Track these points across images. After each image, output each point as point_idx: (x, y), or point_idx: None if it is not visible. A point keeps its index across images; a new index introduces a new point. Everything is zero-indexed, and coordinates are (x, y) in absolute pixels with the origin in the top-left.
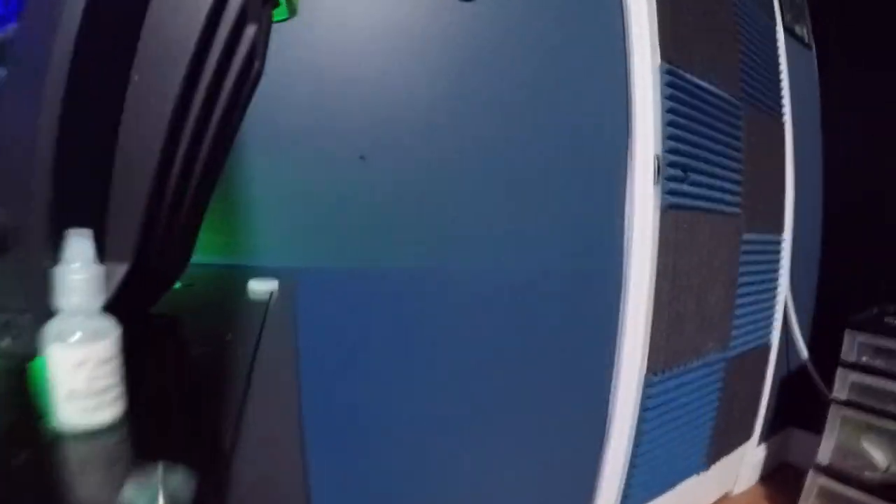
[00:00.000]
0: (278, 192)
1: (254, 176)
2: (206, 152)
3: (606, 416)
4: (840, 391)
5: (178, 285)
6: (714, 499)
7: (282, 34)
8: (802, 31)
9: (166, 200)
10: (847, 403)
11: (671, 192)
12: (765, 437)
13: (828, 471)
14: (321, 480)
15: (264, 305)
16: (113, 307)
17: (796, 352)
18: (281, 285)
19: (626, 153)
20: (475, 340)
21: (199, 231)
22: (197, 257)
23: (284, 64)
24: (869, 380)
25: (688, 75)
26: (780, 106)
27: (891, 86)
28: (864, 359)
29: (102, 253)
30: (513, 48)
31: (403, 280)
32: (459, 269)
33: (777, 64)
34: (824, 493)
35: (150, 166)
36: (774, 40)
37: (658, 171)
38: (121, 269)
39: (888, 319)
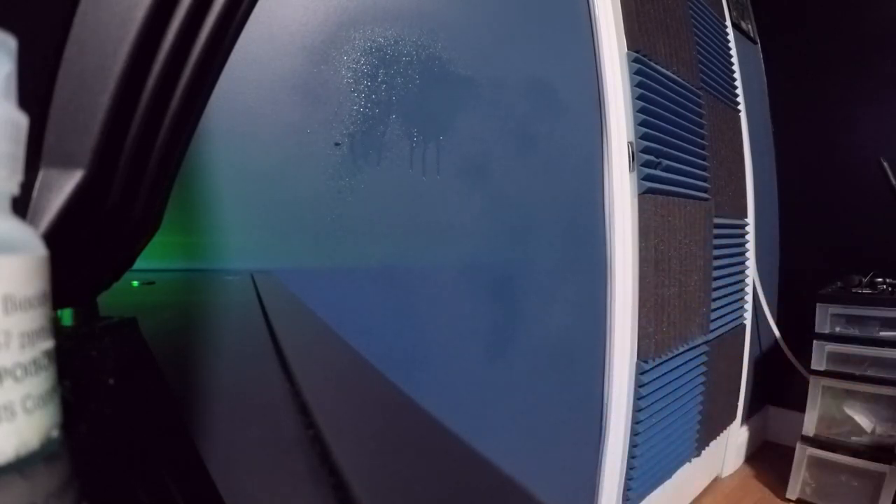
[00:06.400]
0: (246, 184)
1: (219, 166)
2: (189, 74)
3: (602, 409)
4: (818, 363)
5: (135, 283)
6: (706, 484)
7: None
8: (748, 26)
9: (141, 105)
10: (827, 374)
11: (646, 178)
12: (746, 418)
13: (815, 441)
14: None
15: (237, 305)
16: (54, 251)
17: (766, 331)
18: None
19: (602, 140)
20: (461, 338)
21: (171, 186)
22: (156, 263)
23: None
24: (844, 348)
25: (653, 63)
26: (735, 96)
27: (831, 77)
28: (837, 329)
29: (38, 154)
30: (482, 35)
31: (385, 277)
32: (441, 264)
33: (729, 57)
34: (814, 463)
35: (122, 50)
36: (725, 34)
37: (632, 157)
38: (71, 179)
39: (855, 290)
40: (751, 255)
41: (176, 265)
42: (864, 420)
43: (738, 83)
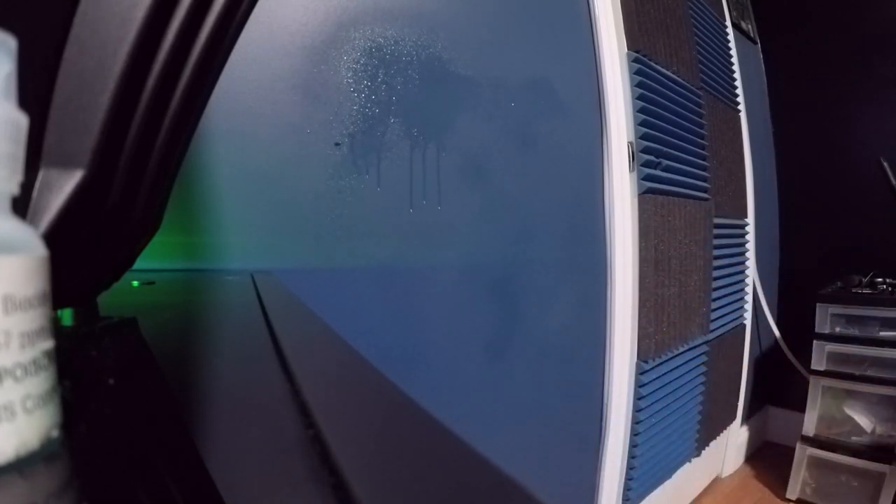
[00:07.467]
0: (246, 184)
1: (219, 166)
2: (189, 74)
3: (602, 409)
4: (818, 363)
5: (135, 283)
6: (706, 484)
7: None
8: (748, 26)
9: (141, 105)
10: (827, 374)
11: (646, 178)
12: (746, 418)
13: (815, 441)
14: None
15: (237, 305)
16: (55, 255)
17: (766, 331)
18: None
19: (602, 140)
20: (461, 338)
21: (171, 186)
22: (156, 263)
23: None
24: (844, 348)
25: (653, 63)
26: (735, 96)
27: (831, 77)
28: (837, 329)
29: (38, 154)
30: (482, 35)
31: (385, 277)
32: (441, 264)
33: (729, 57)
34: (814, 463)
35: (122, 49)
36: (725, 34)
37: (632, 157)
38: (71, 179)
39: (855, 290)
40: (751, 255)
41: (176, 265)
42: (864, 420)
43: (738, 83)
